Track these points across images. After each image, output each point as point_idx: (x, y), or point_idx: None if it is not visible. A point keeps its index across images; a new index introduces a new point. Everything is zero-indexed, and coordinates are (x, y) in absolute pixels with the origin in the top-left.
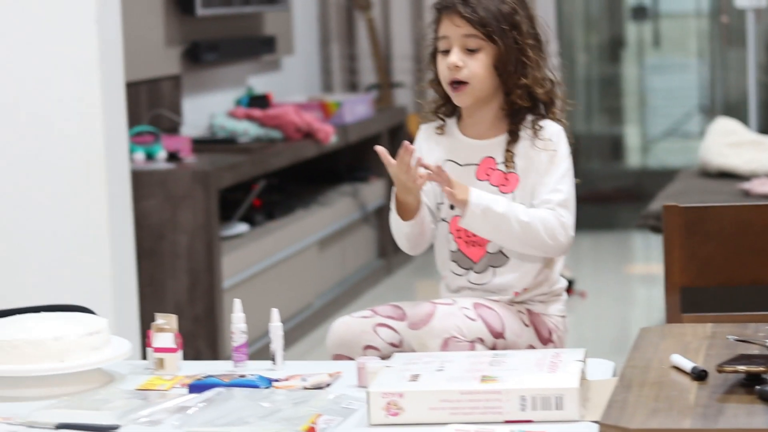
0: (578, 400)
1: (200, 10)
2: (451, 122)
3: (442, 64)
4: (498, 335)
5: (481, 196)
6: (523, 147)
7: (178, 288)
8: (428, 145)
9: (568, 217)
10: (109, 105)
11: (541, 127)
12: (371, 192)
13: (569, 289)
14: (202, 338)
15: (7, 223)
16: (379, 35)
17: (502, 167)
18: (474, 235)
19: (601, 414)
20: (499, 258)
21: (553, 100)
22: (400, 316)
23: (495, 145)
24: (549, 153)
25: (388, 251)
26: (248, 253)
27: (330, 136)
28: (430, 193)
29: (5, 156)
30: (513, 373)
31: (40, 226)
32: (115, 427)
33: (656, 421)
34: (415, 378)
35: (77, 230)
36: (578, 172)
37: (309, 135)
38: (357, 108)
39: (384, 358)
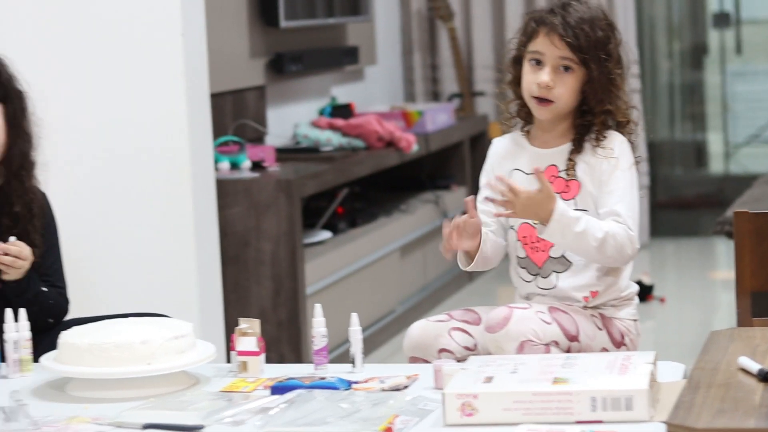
0: (647, 401)
1: (284, 22)
2: (518, 131)
3: (531, 76)
4: (572, 338)
5: (564, 214)
6: (584, 155)
7: (263, 294)
8: (497, 159)
9: (636, 229)
10: (194, 116)
11: (604, 136)
12: (453, 199)
13: (649, 294)
14: (286, 343)
15: (97, 231)
16: (460, 45)
17: (563, 174)
18: (539, 240)
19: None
20: (562, 262)
21: (628, 122)
22: (474, 320)
23: (558, 154)
24: (610, 162)
25: None
26: (331, 260)
27: (412, 145)
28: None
29: (95, 166)
30: (584, 375)
31: (129, 234)
32: (200, 427)
33: (721, 421)
34: (489, 380)
35: (164, 238)
36: (660, 178)
37: (391, 144)
38: (438, 117)
39: (458, 361)
